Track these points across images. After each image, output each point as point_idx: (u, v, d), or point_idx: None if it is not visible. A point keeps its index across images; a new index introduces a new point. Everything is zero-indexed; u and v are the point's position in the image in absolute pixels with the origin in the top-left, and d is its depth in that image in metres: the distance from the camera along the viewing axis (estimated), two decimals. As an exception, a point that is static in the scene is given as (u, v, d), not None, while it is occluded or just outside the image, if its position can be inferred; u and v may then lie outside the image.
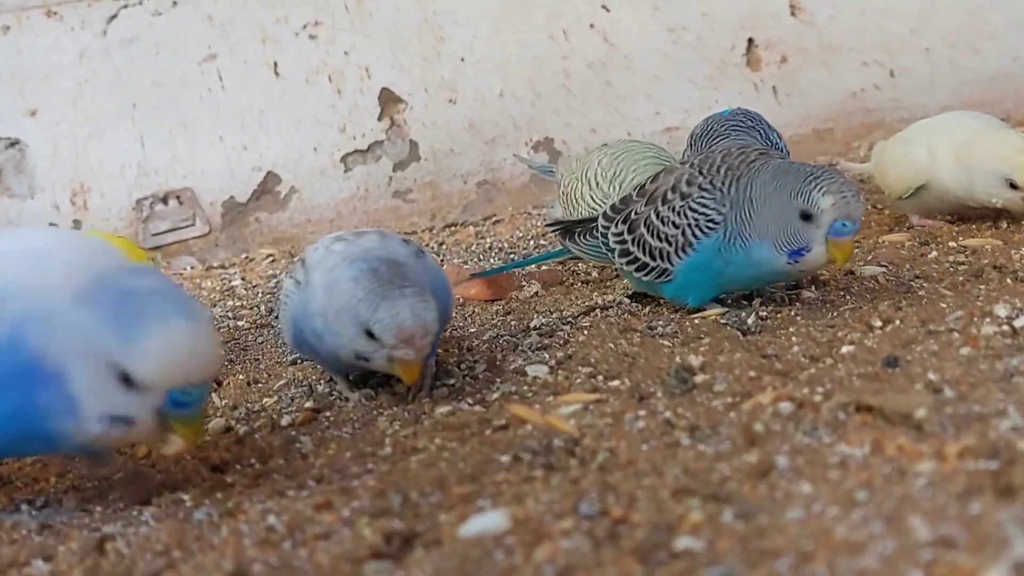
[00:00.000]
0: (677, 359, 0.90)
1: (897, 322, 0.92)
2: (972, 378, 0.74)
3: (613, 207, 1.08)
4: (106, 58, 1.64)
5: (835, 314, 0.98)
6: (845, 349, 0.87)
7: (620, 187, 1.17)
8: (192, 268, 1.62)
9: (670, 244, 1.00)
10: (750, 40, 1.74)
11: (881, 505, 0.58)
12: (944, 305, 0.92)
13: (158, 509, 0.76)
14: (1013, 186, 1.13)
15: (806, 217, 0.92)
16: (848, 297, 1.02)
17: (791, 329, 0.95)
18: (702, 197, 0.98)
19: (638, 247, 1.03)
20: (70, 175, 1.64)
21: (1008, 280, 0.97)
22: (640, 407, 0.81)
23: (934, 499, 0.57)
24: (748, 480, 0.65)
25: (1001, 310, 0.87)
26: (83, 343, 0.67)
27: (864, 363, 0.82)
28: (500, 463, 0.74)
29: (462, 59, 1.72)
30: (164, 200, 1.66)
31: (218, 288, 1.46)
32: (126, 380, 0.67)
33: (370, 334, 0.83)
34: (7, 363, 0.67)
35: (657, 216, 1.02)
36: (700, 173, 1.01)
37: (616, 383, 0.88)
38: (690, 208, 0.99)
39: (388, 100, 1.71)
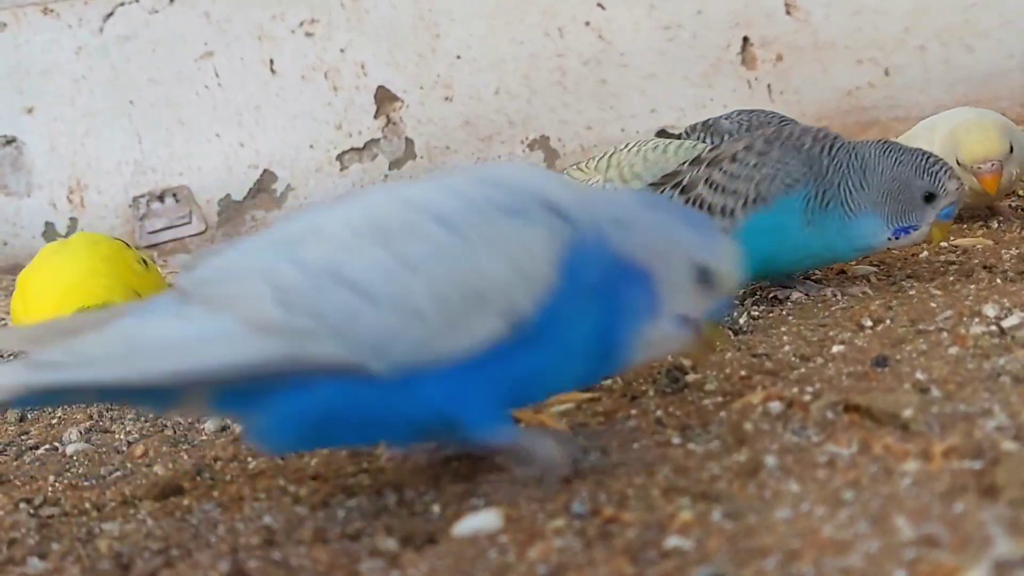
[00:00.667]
0: (669, 358, 0.91)
1: (887, 322, 0.93)
2: (959, 377, 0.75)
3: (655, 183, 1.06)
4: (103, 55, 1.64)
5: (827, 313, 0.98)
6: (835, 348, 0.88)
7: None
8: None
9: (737, 198, 0.96)
10: (745, 38, 1.75)
11: (867, 504, 0.59)
12: (934, 305, 0.93)
13: (156, 507, 0.77)
14: (959, 163, 1.15)
15: (929, 198, 0.94)
16: (839, 297, 1.03)
17: (782, 328, 0.96)
18: (785, 155, 0.96)
19: (695, 206, 0.99)
20: (67, 172, 1.65)
21: (998, 280, 0.98)
22: (632, 406, 0.82)
23: (919, 498, 0.58)
24: (737, 479, 0.66)
25: (990, 310, 0.88)
26: (666, 244, 0.68)
27: (854, 362, 0.83)
28: (494, 462, 0.75)
29: (458, 56, 1.72)
30: (160, 198, 1.67)
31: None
32: (704, 279, 0.69)
33: None
34: (596, 262, 0.66)
35: (724, 172, 0.98)
36: (778, 137, 0.99)
37: (609, 382, 0.88)
38: (768, 164, 0.96)
39: (384, 98, 1.72)
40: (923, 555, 0.52)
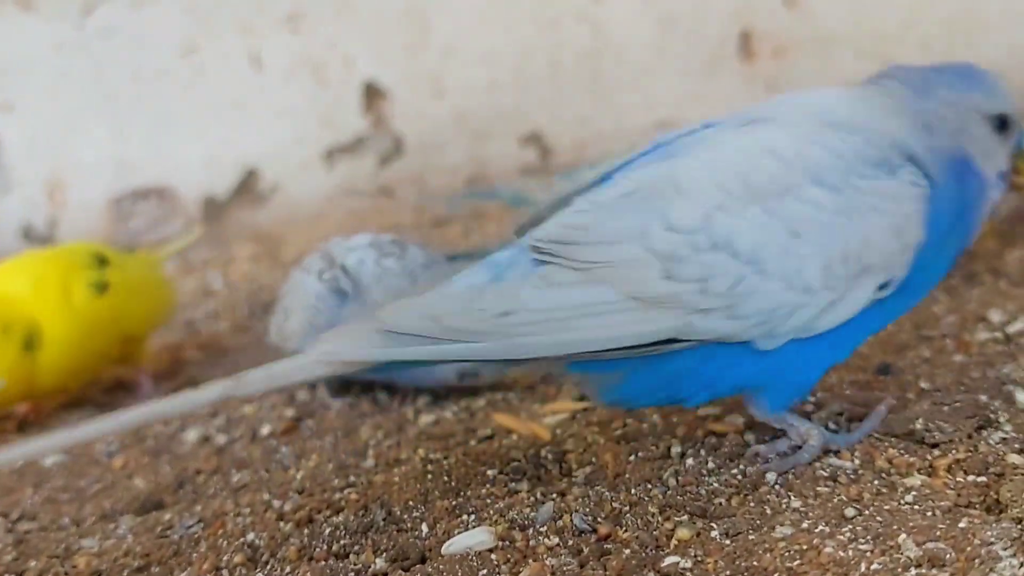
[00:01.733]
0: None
1: (890, 327, 0.90)
2: (964, 386, 0.73)
3: None
4: (83, 51, 1.60)
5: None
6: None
7: None
8: (171, 267, 1.60)
9: None
10: (744, 32, 1.72)
11: (870, 521, 0.57)
12: (937, 309, 0.91)
13: (136, 522, 0.75)
14: None
15: None
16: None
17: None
18: None
19: None
20: (47, 170, 1.61)
21: (1002, 284, 0.96)
22: (628, 416, 0.79)
23: (923, 515, 0.56)
24: (737, 494, 0.64)
25: (995, 315, 0.86)
26: (967, 122, 0.66)
27: (856, 370, 0.81)
28: (485, 476, 0.73)
29: (449, 50, 1.69)
30: (143, 197, 1.63)
31: (198, 288, 1.43)
32: (1000, 126, 0.67)
33: None
34: (948, 202, 0.64)
35: None
36: None
37: (603, 389, 0.86)
38: None
39: (372, 94, 1.68)
40: (928, 575, 0.50)
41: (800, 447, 0.65)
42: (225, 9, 1.63)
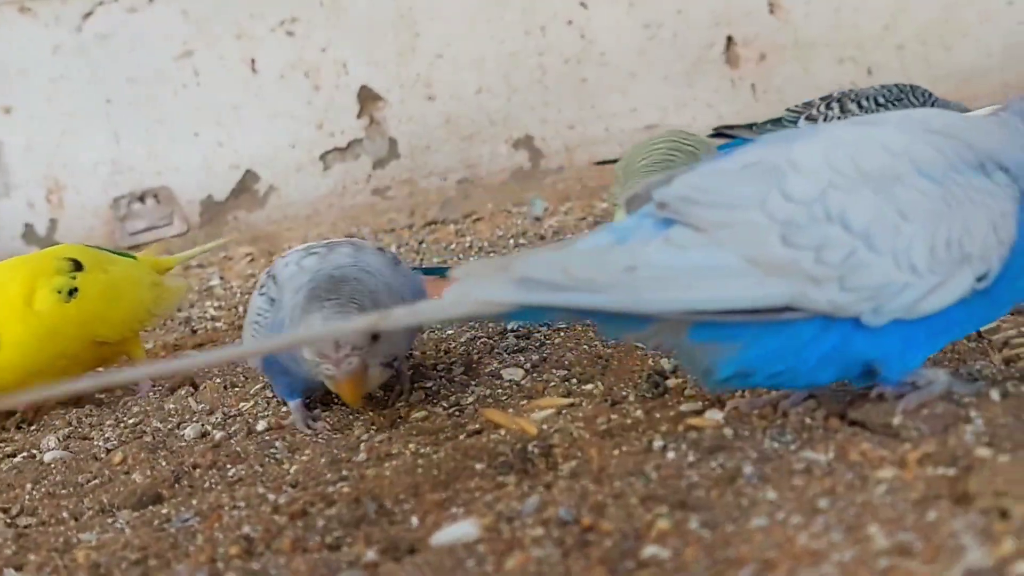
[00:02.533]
0: (650, 362, 0.91)
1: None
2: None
3: None
4: (81, 54, 1.63)
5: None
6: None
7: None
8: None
9: None
10: (729, 37, 1.75)
11: (842, 513, 0.59)
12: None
13: (134, 516, 0.77)
14: None
15: None
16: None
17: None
18: None
19: None
20: (45, 172, 1.63)
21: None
22: (612, 411, 0.82)
23: (893, 506, 0.59)
24: (716, 487, 0.66)
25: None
26: None
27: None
28: (474, 469, 0.75)
29: (439, 55, 1.71)
30: (141, 199, 1.65)
31: (196, 288, 1.45)
32: None
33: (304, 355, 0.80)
34: None
35: None
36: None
37: (590, 387, 0.89)
38: None
39: (367, 97, 1.71)
40: (896, 564, 0.52)
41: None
42: (221, 14, 1.65)
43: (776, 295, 0.63)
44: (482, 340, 1.05)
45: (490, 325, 1.10)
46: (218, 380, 1.03)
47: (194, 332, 1.27)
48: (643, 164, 1.09)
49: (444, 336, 1.08)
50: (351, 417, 0.90)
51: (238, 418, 0.94)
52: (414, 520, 0.69)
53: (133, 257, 1.13)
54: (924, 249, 0.64)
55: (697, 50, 1.75)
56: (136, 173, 1.65)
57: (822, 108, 1.37)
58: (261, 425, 0.91)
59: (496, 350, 1.02)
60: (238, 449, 0.86)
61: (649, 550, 0.60)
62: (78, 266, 1.01)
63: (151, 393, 1.03)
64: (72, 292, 0.98)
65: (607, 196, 1.22)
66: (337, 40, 1.69)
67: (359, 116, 1.70)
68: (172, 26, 1.64)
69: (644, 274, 0.64)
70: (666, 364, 0.90)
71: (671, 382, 0.86)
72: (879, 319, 0.64)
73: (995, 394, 0.71)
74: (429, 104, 1.72)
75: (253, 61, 1.67)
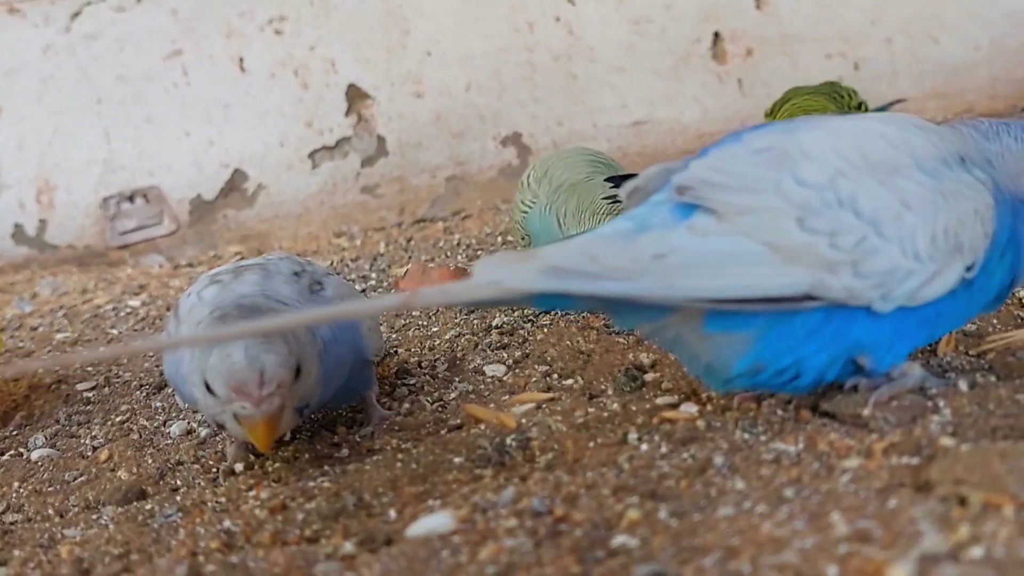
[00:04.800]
0: (630, 356, 0.92)
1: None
2: (906, 374, 0.77)
3: None
4: (70, 54, 1.63)
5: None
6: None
7: (549, 183, 1.12)
8: (160, 267, 1.63)
9: None
10: (716, 33, 1.75)
11: (807, 501, 0.60)
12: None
13: (119, 512, 0.78)
14: None
15: None
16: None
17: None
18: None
19: None
20: (35, 172, 1.64)
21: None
22: (590, 405, 0.83)
23: (857, 495, 0.60)
24: (686, 477, 0.67)
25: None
26: (1022, 166, 0.73)
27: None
28: (452, 463, 0.76)
29: (427, 52, 1.72)
30: (131, 198, 1.66)
31: (186, 287, 1.46)
32: None
33: (210, 389, 0.72)
34: (1006, 210, 0.70)
35: None
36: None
37: (570, 381, 0.90)
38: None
39: (355, 95, 1.71)
40: (855, 550, 0.54)
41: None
42: (209, 13, 1.66)
43: (799, 283, 0.65)
44: (466, 337, 1.06)
45: (474, 322, 1.11)
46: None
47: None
48: (576, 174, 1.10)
49: (428, 333, 1.09)
50: (335, 414, 0.91)
51: (223, 415, 0.95)
52: (392, 513, 0.70)
53: None
54: (926, 237, 0.66)
55: (684, 45, 1.75)
56: (126, 172, 1.66)
57: None
58: (245, 421, 0.92)
59: (480, 346, 1.03)
60: (222, 446, 0.87)
61: (618, 539, 0.61)
62: None
63: (138, 391, 1.04)
64: None
65: (513, 209, 1.18)
66: (326, 38, 1.70)
67: (348, 114, 1.71)
68: (161, 25, 1.64)
69: (673, 261, 0.65)
70: (645, 359, 0.91)
71: (649, 376, 0.87)
72: (887, 306, 0.67)
73: (963, 384, 0.72)
74: (418, 101, 1.73)
75: (242, 60, 1.68)
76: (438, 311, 1.18)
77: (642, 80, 1.75)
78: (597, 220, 1.04)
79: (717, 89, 1.76)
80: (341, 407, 0.90)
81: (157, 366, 1.09)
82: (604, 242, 0.67)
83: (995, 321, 0.86)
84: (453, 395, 0.91)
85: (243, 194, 1.71)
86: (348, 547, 0.66)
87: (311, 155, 1.71)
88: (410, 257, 1.47)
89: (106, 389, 1.08)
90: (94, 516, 0.78)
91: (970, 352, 0.80)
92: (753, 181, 0.67)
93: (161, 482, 0.83)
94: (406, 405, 0.90)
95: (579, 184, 1.09)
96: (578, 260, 0.65)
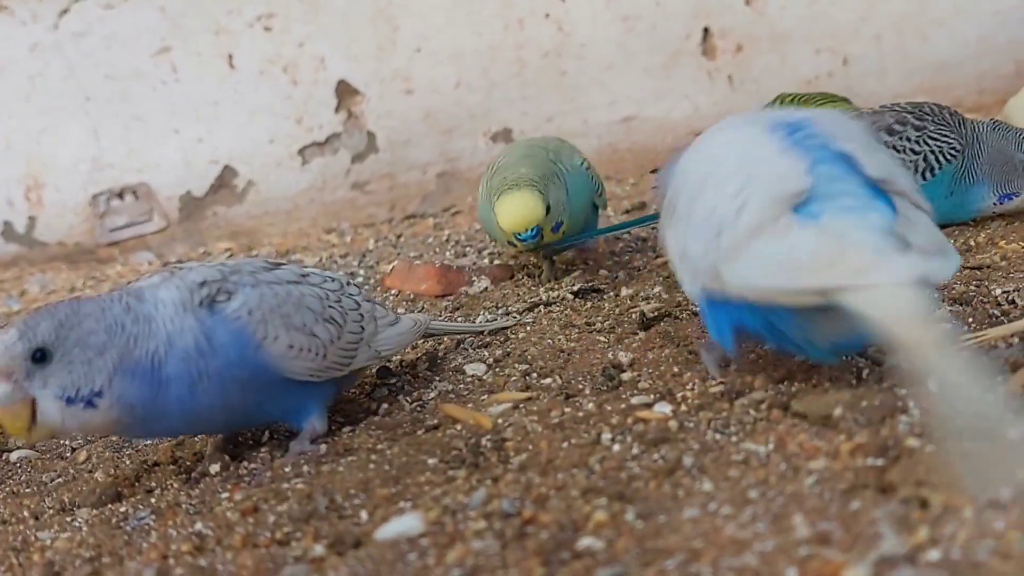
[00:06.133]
0: (609, 355, 0.92)
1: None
2: (878, 374, 0.77)
3: None
4: (58, 52, 1.63)
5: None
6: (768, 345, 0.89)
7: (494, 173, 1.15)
8: (150, 263, 1.63)
9: (913, 169, 1.09)
10: (705, 29, 1.75)
11: (771, 503, 0.60)
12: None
13: (93, 514, 0.78)
14: None
15: None
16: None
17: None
18: (941, 129, 1.11)
19: None
20: (24, 170, 1.64)
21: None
22: (567, 404, 0.83)
23: (820, 496, 0.60)
24: (655, 478, 0.67)
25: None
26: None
27: (787, 356, 0.84)
28: (426, 464, 0.76)
29: (417, 49, 1.72)
30: (120, 195, 1.66)
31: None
32: None
33: None
34: None
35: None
36: (924, 112, 1.13)
37: (548, 380, 0.90)
38: (930, 137, 1.10)
39: (345, 92, 1.71)
40: (815, 553, 0.54)
41: None
42: (198, 10, 1.66)
43: None
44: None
45: (459, 319, 1.11)
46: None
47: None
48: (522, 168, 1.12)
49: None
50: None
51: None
52: (363, 515, 0.70)
53: None
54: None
55: (674, 42, 1.75)
56: (115, 170, 1.66)
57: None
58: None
59: (462, 345, 1.03)
60: (200, 445, 0.88)
61: (584, 541, 0.61)
62: None
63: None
64: None
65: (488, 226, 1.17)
66: (315, 35, 1.69)
67: (337, 111, 1.71)
68: (149, 23, 1.64)
69: None
70: (623, 357, 0.91)
71: (626, 375, 0.87)
72: None
73: (933, 384, 0.72)
74: (408, 98, 1.73)
75: (231, 57, 1.68)
76: (424, 307, 1.18)
77: (632, 77, 1.75)
78: (492, 201, 1.11)
79: (707, 86, 1.75)
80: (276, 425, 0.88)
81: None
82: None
83: (970, 320, 0.86)
84: (432, 395, 0.91)
85: (233, 191, 1.71)
86: (318, 550, 0.66)
87: (301, 152, 1.71)
88: (399, 254, 1.48)
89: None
90: (68, 519, 0.78)
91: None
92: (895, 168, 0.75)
93: (137, 484, 0.83)
94: (384, 405, 0.91)
95: (501, 168, 1.14)
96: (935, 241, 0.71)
